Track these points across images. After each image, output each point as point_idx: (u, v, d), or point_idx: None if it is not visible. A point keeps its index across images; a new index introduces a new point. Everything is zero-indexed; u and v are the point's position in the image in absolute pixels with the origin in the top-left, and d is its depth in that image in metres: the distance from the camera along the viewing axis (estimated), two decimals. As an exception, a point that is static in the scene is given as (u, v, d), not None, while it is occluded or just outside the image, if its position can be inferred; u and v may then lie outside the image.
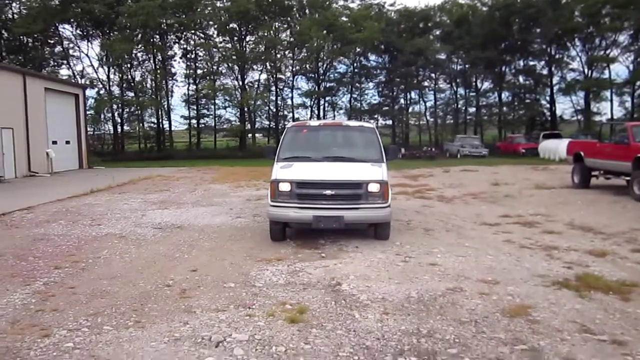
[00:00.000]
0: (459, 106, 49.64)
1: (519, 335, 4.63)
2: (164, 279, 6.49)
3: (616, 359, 4.17)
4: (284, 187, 8.42)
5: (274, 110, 47.40)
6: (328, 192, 8.31)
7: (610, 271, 6.73)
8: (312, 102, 47.42)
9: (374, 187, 8.42)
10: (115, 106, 44.58)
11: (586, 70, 43.45)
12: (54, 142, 26.73)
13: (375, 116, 48.66)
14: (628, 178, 13.92)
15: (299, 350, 4.33)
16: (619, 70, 45.62)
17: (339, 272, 6.71)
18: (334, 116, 47.93)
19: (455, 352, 4.29)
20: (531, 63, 46.50)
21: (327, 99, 47.63)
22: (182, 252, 8.08)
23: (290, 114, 48.20)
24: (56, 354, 4.28)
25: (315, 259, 7.51)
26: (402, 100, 49.66)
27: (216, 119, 47.49)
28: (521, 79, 47.56)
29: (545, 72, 46.08)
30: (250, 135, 48.13)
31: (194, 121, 47.03)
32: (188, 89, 46.58)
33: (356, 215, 8.39)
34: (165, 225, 10.48)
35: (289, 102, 48.16)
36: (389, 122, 50.05)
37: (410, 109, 49.92)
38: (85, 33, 45.24)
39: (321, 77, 46.79)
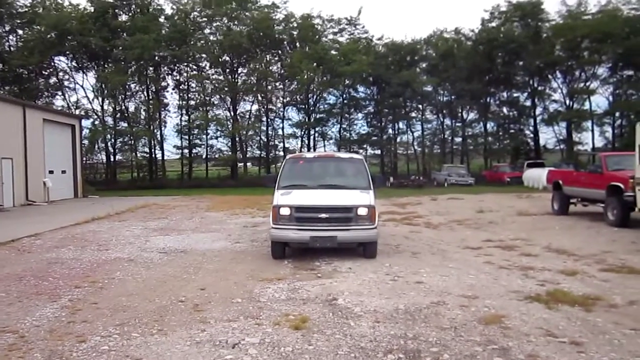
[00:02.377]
0: (446, 136, 50.79)
1: (491, 338, 5.38)
2: (176, 296, 7.17)
3: (572, 356, 4.92)
4: (284, 211, 9.46)
5: (265, 140, 48.37)
6: (323, 215, 9.41)
7: (578, 287, 7.51)
8: (302, 133, 48.31)
9: (362, 211, 9.47)
10: (108, 136, 45.32)
11: (567, 102, 44.97)
12: (51, 172, 27.37)
13: (364, 146, 49.69)
14: (603, 205, 14.80)
15: (303, 350, 5.05)
16: (599, 101, 47.31)
17: (334, 289, 7.44)
18: (324, 146, 48.79)
19: (436, 350, 5.04)
20: (515, 95, 47.99)
21: (317, 129, 48.47)
22: (189, 274, 8.76)
23: (281, 144, 49.32)
24: (95, 355, 4.97)
25: (312, 279, 8.24)
26: (390, 131, 50.65)
27: (208, 148, 48.39)
28: (505, 110, 48.90)
29: (528, 103, 47.53)
30: (241, 164, 48.93)
31: (186, 151, 47.91)
32: (181, 120, 47.65)
33: (348, 235, 9.46)
34: (169, 250, 11.16)
35: (280, 132, 49.13)
36: (378, 151, 50.92)
37: (398, 139, 50.87)
38: (80, 65, 46.25)
39: (311, 108, 47.86)
